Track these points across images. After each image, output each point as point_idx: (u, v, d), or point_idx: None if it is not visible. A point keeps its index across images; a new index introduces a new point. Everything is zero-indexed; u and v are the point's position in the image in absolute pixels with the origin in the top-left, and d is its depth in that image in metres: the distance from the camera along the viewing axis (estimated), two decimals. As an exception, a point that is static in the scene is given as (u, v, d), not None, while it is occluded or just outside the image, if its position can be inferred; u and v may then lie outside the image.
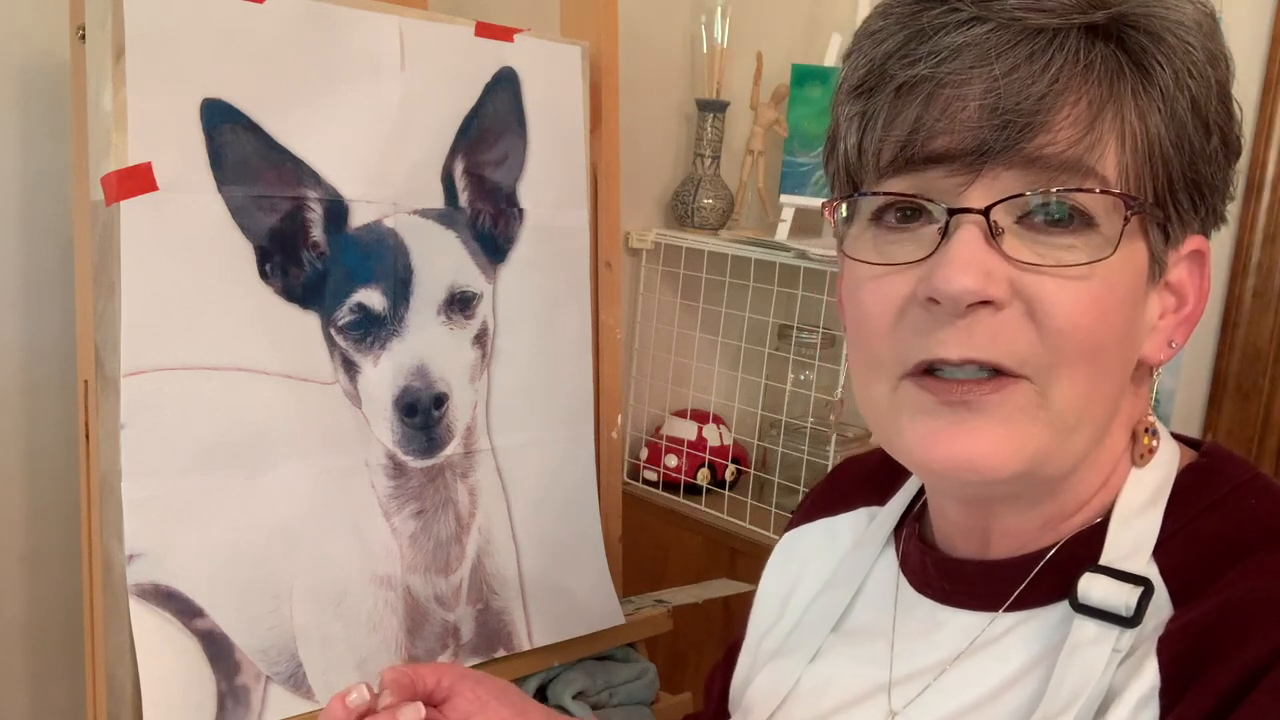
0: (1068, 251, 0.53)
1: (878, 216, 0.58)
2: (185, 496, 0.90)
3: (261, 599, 0.94)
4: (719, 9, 1.62)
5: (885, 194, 0.57)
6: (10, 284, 1.08)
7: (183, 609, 0.89)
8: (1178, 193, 0.56)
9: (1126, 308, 0.55)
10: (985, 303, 0.53)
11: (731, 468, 1.69)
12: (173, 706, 0.88)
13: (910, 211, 0.56)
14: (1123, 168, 0.54)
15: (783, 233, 1.57)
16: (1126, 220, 0.53)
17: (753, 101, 1.70)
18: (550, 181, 1.15)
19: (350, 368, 1.00)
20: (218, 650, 0.91)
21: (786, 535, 0.82)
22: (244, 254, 0.93)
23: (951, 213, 0.54)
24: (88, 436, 0.91)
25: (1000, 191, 0.53)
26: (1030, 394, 0.55)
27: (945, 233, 0.54)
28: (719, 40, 1.64)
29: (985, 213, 0.53)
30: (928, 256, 0.55)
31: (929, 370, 0.56)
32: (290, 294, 0.96)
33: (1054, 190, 0.53)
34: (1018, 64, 0.52)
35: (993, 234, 0.53)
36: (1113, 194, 0.53)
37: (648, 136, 1.67)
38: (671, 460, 1.68)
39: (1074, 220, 0.53)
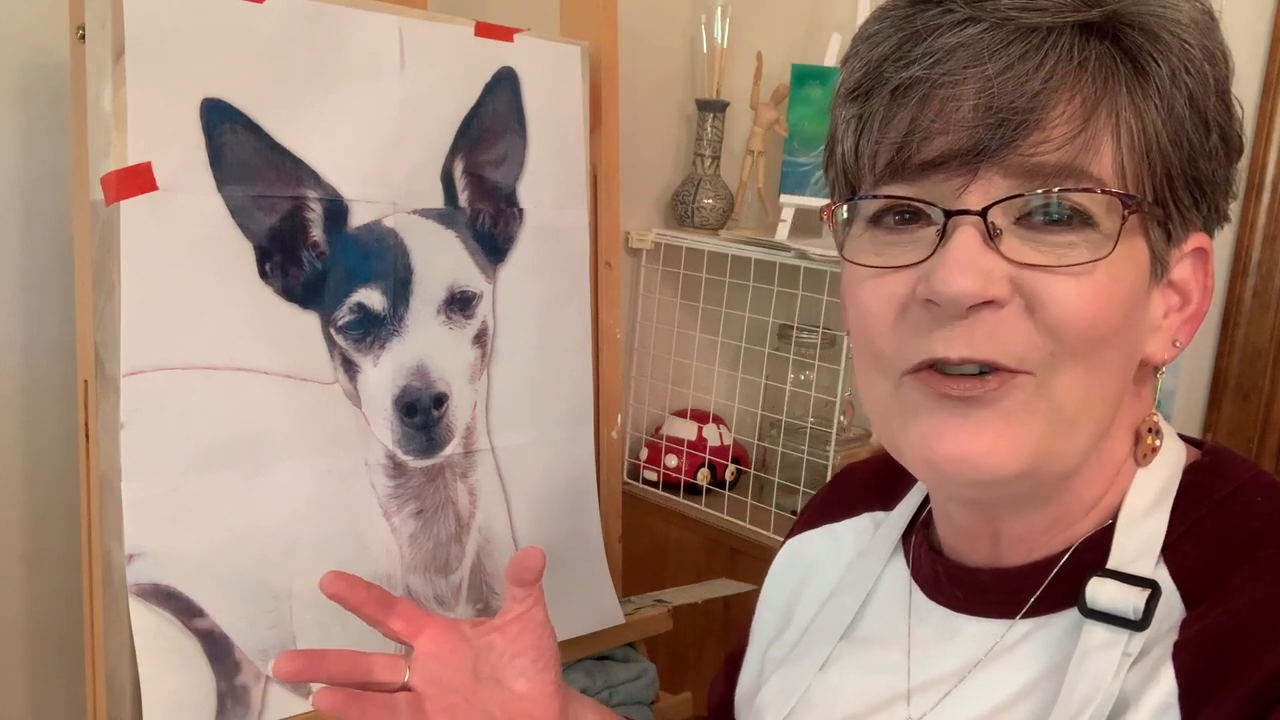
0: (1069, 249, 0.53)
1: (876, 219, 0.58)
2: (185, 496, 0.90)
3: (261, 599, 0.94)
4: (719, 9, 1.62)
5: (883, 197, 0.57)
6: (10, 284, 1.08)
7: (183, 609, 0.89)
8: (1177, 190, 0.55)
9: (1129, 304, 0.55)
10: (987, 302, 0.53)
11: (731, 468, 1.69)
12: (173, 706, 0.88)
13: (909, 214, 0.56)
14: (1119, 165, 0.54)
15: (783, 233, 1.57)
16: (1125, 218, 0.53)
17: (753, 101, 1.70)
18: (550, 181, 1.15)
19: (350, 367, 1.00)
20: (218, 650, 0.91)
21: (789, 543, 0.81)
22: (244, 254, 0.93)
23: (949, 215, 0.54)
24: (87, 436, 0.91)
25: (997, 192, 0.53)
26: (1030, 387, 0.54)
27: (943, 235, 0.54)
28: (719, 40, 1.64)
29: (983, 214, 0.53)
30: (926, 258, 0.55)
31: (931, 366, 0.56)
32: (290, 294, 0.96)
33: (1053, 191, 0.53)
34: (1011, 63, 0.52)
35: (990, 235, 0.53)
36: (1111, 193, 0.53)
37: (648, 136, 1.67)
38: (671, 460, 1.68)
39: (1073, 219, 0.53)
